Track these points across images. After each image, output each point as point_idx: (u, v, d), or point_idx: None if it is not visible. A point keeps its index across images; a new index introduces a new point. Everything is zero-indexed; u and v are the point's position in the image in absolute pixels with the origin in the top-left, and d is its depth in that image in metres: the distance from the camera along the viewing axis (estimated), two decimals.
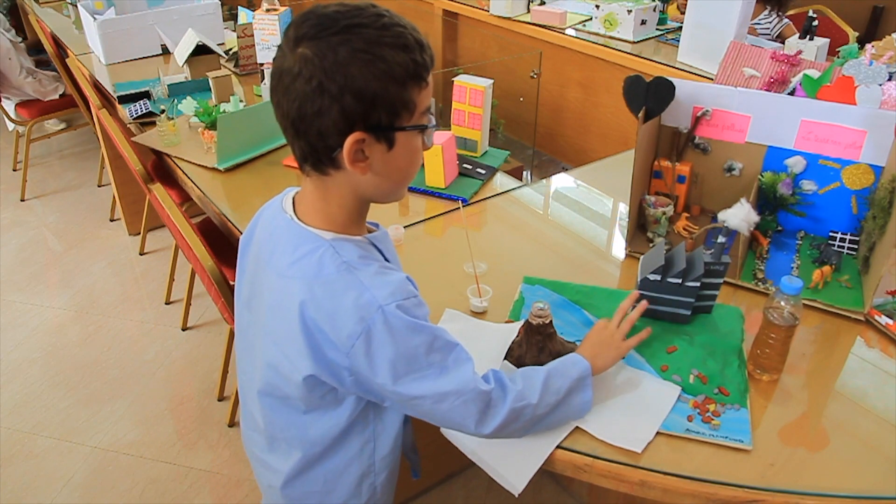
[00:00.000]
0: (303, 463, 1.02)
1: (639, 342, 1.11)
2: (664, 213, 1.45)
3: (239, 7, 2.70)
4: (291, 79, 0.82)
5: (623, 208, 1.66)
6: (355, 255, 0.89)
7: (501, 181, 1.77)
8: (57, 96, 3.45)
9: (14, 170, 3.80)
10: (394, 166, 0.88)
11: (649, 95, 1.40)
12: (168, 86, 2.29)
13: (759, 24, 2.84)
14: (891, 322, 1.23)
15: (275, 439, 1.04)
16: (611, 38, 2.84)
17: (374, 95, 0.81)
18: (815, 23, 2.29)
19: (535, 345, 1.10)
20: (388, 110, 0.83)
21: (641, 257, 1.23)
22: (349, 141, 0.82)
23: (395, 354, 0.85)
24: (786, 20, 2.82)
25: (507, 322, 1.23)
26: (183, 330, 2.58)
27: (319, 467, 1.03)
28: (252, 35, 2.41)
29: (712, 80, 2.06)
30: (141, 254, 3.04)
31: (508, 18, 3.15)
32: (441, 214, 1.61)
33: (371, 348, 0.85)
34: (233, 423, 2.17)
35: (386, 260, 0.95)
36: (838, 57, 1.72)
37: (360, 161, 0.85)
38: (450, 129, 1.82)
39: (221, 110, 1.97)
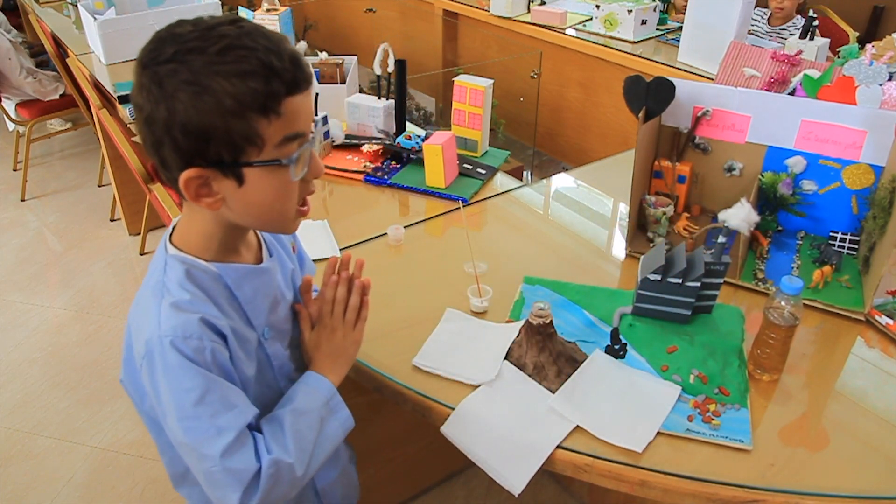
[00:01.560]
0: (173, 478, 0.99)
1: (364, 321, 1.02)
2: (664, 213, 1.45)
3: (239, 7, 2.70)
4: (134, 107, 0.78)
5: (623, 208, 1.66)
6: (176, 279, 0.83)
7: (502, 181, 1.77)
8: (57, 96, 3.45)
9: (14, 170, 3.80)
10: (250, 202, 0.80)
11: (649, 95, 1.40)
12: None
13: (754, 23, 2.84)
14: (891, 322, 1.23)
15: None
16: (611, 38, 2.84)
17: (204, 130, 0.74)
18: (816, 23, 2.29)
19: (536, 345, 1.10)
20: (226, 146, 0.75)
21: (642, 257, 1.23)
22: (182, 179, 0.77)
23: (168, 389, 0.80)
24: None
25: (507, 322, 1.23)
26: None
27: (185, 487, 0.99)
28: None
29: (712, 80, 2.06)
30: (141, 254, 3.03)
31: (509, 18, 3.15)
32: (441, 214, 1.61)
33: (152, 375, 0.81)
34: None
35: (234, 297, 0.87)
36: (838, 57, 1.72)
37: (206, 197, 0.79)
38: (450, 129, 1.82)
39: None
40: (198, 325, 0.80)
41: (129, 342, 0.88)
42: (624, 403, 1.05)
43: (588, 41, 2.85)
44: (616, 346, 1.16)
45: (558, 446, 0.99)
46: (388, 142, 1.84)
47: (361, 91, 2.03)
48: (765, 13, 2.88)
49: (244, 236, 0.91)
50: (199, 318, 0.81)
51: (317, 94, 1.76)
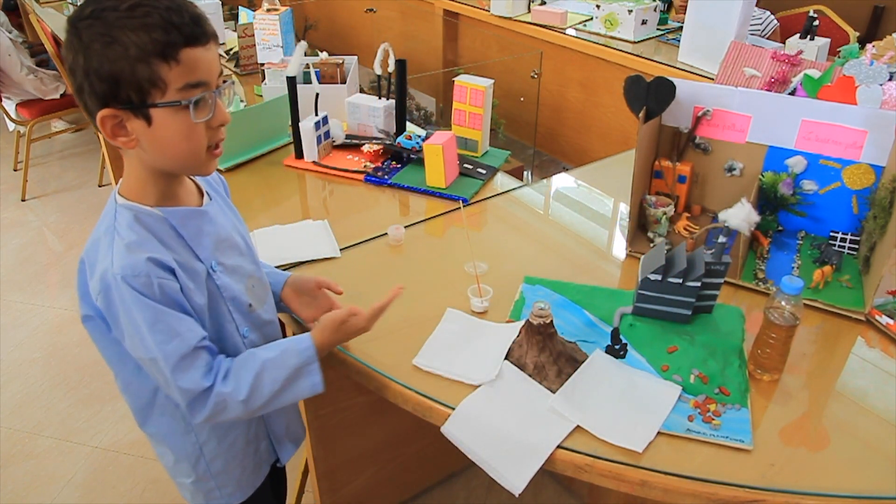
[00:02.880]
0: (139, 411, 1.11)
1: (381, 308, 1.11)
2: (665, 213, 1.45)
3: (239, 7, 2.70)
4: (64, 60, 0.91)
5: (624, 208, 1.66)
6: (126, 221, 0.94)
7: (502, 181, 1.77)
8: (58, 96, 3.45)
9: (15, 170, 3.80)
10: (161, 142, 0.91)
11: (650, 95, 1.40)
12: None
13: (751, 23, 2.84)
14: (891, 322, 1.23)
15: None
16: (611, 38, 2.84)
17: (114, 75, 0.86)
18: (816, 23, 2.29)
19: (536, 345, 1.10)
20: (134, 88, 0.87)
21: (642, 257, 1.23)
22: (98, 118, 0.89)
23: (124, 318, 0.93)
24: (776, 22, 2.82)
25: (507, 322, 1.23)
26: None
27: (151, 422, 1.11)
28: (253, 35, 2.41)
29: (713, 80, 2.06)
30: None
31: (509, 18, 3.15)
32: (441, 214, 1.61)
33: (109, 307, 0.94)
34: None
35: (179, 236, 0.99)
36: (839, 57, 1.72)
37: (122, 136, 0.91)
38: (450, 129, 1.82)
39: None
40: (145, 263, 0.92)
41: (83, 280, 0.99)
42: (624, 403, 1.05)
43: (588, 41, 2.85)
44: (616, 346, 1.16)
45: (559, 446, 0.99)
46: (388, 142, 1.84)
47: (362, 91, 2.03)
48: None
49: (181, 183, 1.02)
50: (147, 257, 0.92)
51: (317, 94, 1.77)
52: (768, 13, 2.78)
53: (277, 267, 1.37)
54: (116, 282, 0.91)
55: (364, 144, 1.84)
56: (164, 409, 1.09)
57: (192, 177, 1.07)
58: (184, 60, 0.88)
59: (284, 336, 1.24)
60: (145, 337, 0.93)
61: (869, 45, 1.71)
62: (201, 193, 1.08)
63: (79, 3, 2.81)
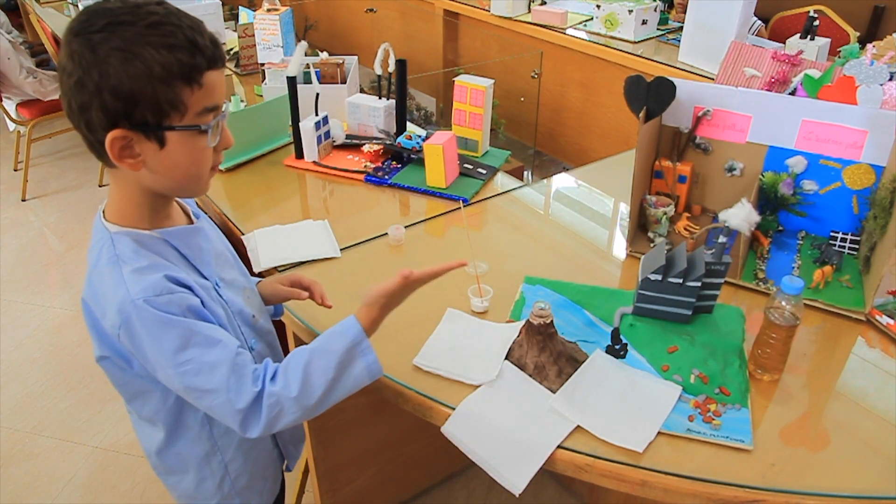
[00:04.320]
0: (156, 445, 1.08)
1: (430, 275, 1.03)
2: (665, 213, 1.45)
3: (240, 7, 2.70)
4: (61, 72, 0.85)
5: (624, 208, 1.66)
6: (129, 248, 0.91)
7: (502, 181, 1.77)
8: (57, 96, 3.45)
9: (15, 170, 3.80)
10: (170, 165, 0.88)
11: (650, 95, 1.40)
12: None
13: None
14: (892, 322, 1.23)
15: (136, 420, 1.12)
16: (612, 38, 2.84)
17: (133, 94, 0.81)
18: (816, 23, 2.29)
19: (536, 345, 1.10)
20: (152, 109, 0.83)
21: (642, 257, 1.23)
22: (108, 138, 0.84)
23: (153, 346, 0.88)
24: (759, 23, 2.82)
25: (508, 322, 1.23)
26: None
27: (171, 448, 1.08)
28: (253, 35, 2.41)
29: (713, 80, 2.06)
30: None
31: (509, 18, 3.15)
32: (442, 214, 1.61)
33: (133, 339, 0.89)
34: None
35: (182, 256, 0.96)
36: (839, 57, 1.72)
37: (128, 158, 0.86)
38: (451, 129, 1.82)
39: None
40: (163, 281, 0.88)
41: (93, 321, 0.95)
42: (625, 403, 1.05)
43: (589, 41, 2.85)
44: (617, 346, 1.16)
45: (559, 446, 0.99)
46: (388, 142, 1.84)
47: (362, 91, 2.03)
48: None
49: (169, 204, 0.99)
50: (163, 275, 0.89)
51: (317, 94, 1.77)
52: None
53: (278, 267, 1.38)
54: (138, 308, 0.86)
55: (364, 144, 1.84)
56: (190, 434, 1.06)
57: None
58: (205, 84, 0.86)
59: (283, 343, 1.25)
60: (178, 360, 0.87)
61: (869, 45, 1.71)
62: (186, 213, 1.05)
63: (80, 8, 2.80)
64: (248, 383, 0.91)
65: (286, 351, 1.17)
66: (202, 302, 0.93)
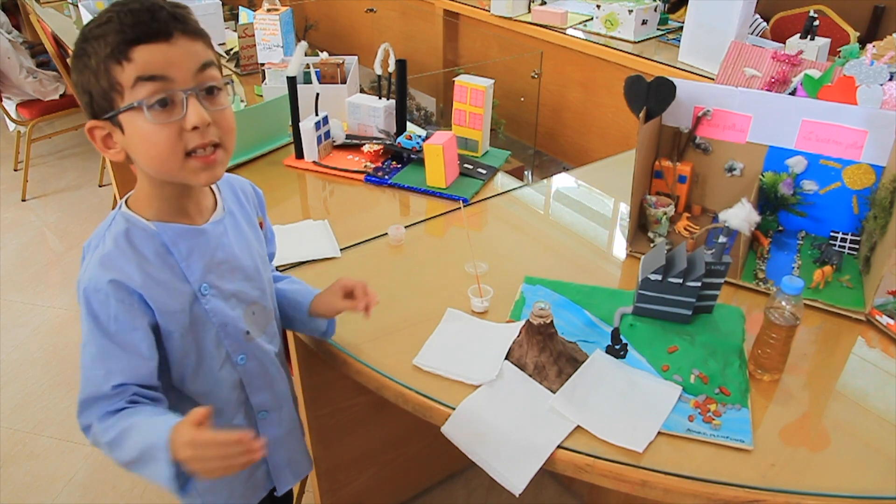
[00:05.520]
0: None
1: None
2: (665, 213, 1.45)
3: (240, 7, 2.70)
4: None
5: (624, 208, 1.66)
6: (114, 232, 0.94)
7: (502, 181, 1.77)
8: (57, 96, 3.45)
9: (15, 170, 3.80)
10: (136, 150, 0.89)
11: (650, 95, 1.40)
12: None
13: None
14: (892, 322, 1.23)
15: None
16: (612, 38, 2.84)
17: (84, 86, 0.86)
18: (816, 23, 2.29)
19: (536, 345, 1.10)
20: (102, 97, 0.86)
21: (642, 257, 1.23)
22: (86, 128, 0.89)
23: (84, 323, 0.93)
24: (764, 24, 2.82)
25: (508, 322, 1.23)
26: None
27: None
28: (253, 35, 2.41)
29: (713, 80, 2.06)
30: None
31: (509, 18, 3.15)
32: (442, 214, 1.61)
33: (80, 305, 0.94)
34: None
35: (171, 254, 0.95)
36: (839, 57, 1.72)
37: (111, 148, 0.90)
38: (451, 129, 1.82)
39: None
40: (106, 285, 0.91)
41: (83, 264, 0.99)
42: (625, 403, 1.05)
43: (589, 41, 2.85)
44: (617, 346, 1.16)
45: (559, 446, 0.99)
46: (388, 142, 1.84)
47: (362, 91, 2.03)
48: None
49: (188, 196, 0.97)
50: (112, 277, 0.91)
51: (317, 94, 1.77)
52: (757, 16, 2.78)
53: (278, 267, 1.37)
54: (82, 291, 0.92)
55: (364, 144, 1.84)
56: None
57: (212, 189, 1.03)
58: (136, 59, 0.83)
59: (289, 365, 1.22)
60: (86, 349, 0.93)
61: (869, 45, 1.71)
62: (216, 208, 1.03)
63: (79, 8, 2.80)
64: (94, 414, 0.92)
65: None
66: (154, 310, 0.93)
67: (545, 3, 3.19)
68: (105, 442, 0.91)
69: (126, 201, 0.97)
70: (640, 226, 1.51)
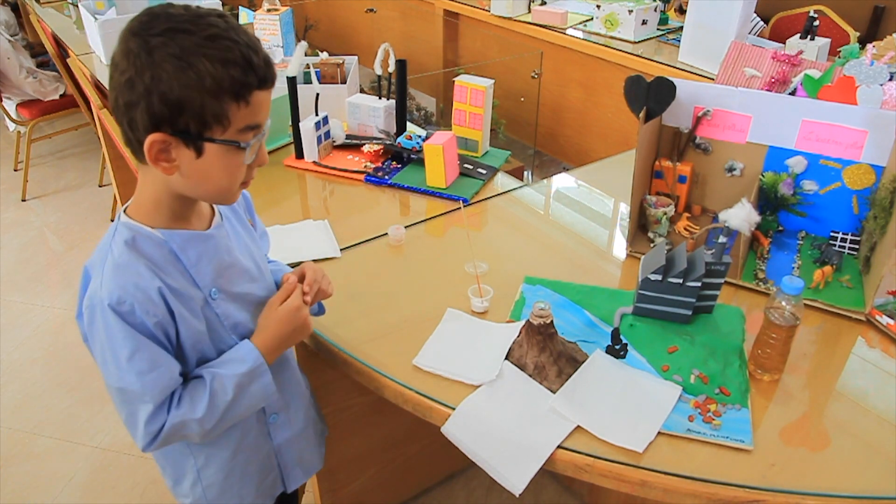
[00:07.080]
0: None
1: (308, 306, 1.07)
2: (665, 214, 1.45)
3: (240, 7, 2.70)
4: (113, 68, 0.86)
5: (624, 208, 1.66)
6: (120, 243, 0.92)
7: (502, 181, 1.77)
8: (57, 96, 3.45)
9: (15, 170, 3.80)
10: (203, 174, 0.89)
11: (650, 95, 1.40)
12: None
13: None
14: (892, 322, 1.23)
15: None
16: (612, 38, 2.84)
17: (181, 101, 0.83)
18: (816, 23, 2.29)
19: (536, 345, 1.10)
20: (196, 119, 0.84)
21: (642, 257, 1.23)
22: (148, 140, 0.85)
23: (107, 341, 0.91)
24: (762, 23, 2.82)
25: (508, 322, 1.23)
26: None
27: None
28: None
29: (713, 80, 2.06)
30: None
31: (509, 18, 3.15)
32: (442, 214, 1.61)
33: (91, 327, 0.92)
34: None
35: (179, 261, 0.95)
36: (839, 57, 1.72)
37: (163, 161, 0.87)
38: (451, 130, 1.82)
39: None
40: (132, 291, 0.90)
41: (83, 286, 0.97)
42: (625, 403, 1.05)
43: (589, 41, 2.85)
44: (617, 346, 1.16)
45: (559, 446, 0.99)
46: (388, 142, 1.84)
47: (362, 91, 2.03)
48: None
49: (194, 206, 0.99)
50: (133, 283, 0.90)
51: (317, 94, 1.77)
52: (755, 16, 2.78)
53: None
54: (103, 307, 0.89)
55: (364, 144, 1.84)
56: None
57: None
58: (252, 103, 0.87)
59: (295, 356, 1.23)
60: (122, 366, 0.91)
61: (869, 45, 1.71)
62: (213, 217, 1.04)
63: (79, 8, 2.80)
64: (163, 416, 0.94)
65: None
66: (173, 315, 0.94)
67: (545, 3, 3.19)
68: (197, 418, 0.94)
69: (125, 211, 0.96)
70: (640, 226, 1.51)
